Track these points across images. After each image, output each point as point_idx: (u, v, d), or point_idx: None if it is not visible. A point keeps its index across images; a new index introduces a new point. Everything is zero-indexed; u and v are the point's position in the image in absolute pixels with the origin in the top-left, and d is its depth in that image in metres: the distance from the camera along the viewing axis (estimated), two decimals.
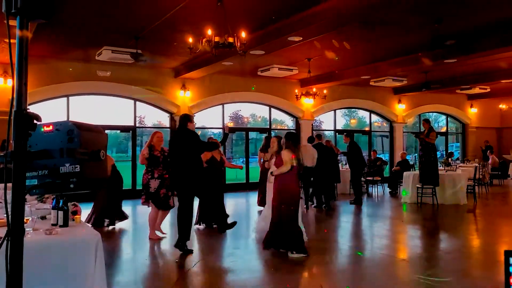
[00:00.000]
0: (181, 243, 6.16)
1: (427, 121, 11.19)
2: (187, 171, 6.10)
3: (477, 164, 13.42)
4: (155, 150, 7.05)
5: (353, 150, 11.45)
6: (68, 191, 1.63)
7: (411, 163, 14.69)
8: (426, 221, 9.14)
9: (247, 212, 10.95)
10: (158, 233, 7.26)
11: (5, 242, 1.54)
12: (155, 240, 7.09)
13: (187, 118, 6.35)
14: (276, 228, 6.05)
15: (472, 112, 19.95)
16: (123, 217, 8.36)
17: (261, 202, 9.71)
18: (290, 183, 6.04)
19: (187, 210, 6.18)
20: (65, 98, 12.13)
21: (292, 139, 6.19)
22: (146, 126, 14.50)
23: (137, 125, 13.59)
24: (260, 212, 9.10)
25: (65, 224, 3.74)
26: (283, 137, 6.29)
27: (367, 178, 13.69)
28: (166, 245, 6.93)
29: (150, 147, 7.05)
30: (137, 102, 13.23)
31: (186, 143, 6.15)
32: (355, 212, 10.34)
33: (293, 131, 15.50)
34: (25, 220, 3.42)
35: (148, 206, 7.15)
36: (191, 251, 6.20)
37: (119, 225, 8.26)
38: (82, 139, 1.63)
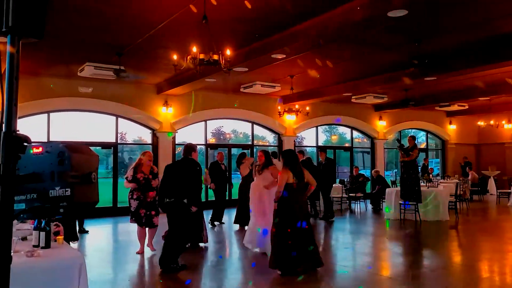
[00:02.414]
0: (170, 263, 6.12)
1: (413, 138, 11.29)
2: (187, 197, 6.15)
3: (457, 180, 13.59)
4: (139, 172, 7.01)
5: (331, 165, 11.59)
6: (57, 215, 1.56)
7: (392, 179, 14.75)
8: (409, 238, 9.17)
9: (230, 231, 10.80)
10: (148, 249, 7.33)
11: None
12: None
13: (191, 148, 6.52)
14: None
15: (451, 128, 20.32)
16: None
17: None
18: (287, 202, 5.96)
19: (180, 233, 6.22)
20: (46, 115, 11.91)
21: (287, 157, 6.09)
22: (127, 142, 14.32)
23: (118, 141, 13.42)
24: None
25: (47, 246, 3.62)
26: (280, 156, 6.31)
27: (350, 194, 13.73)
28: (150, 263, 6.79)
29: (135, 168, 7.08)
30: (119, 118, 13.08)
31: (189, 171, 6.27)
32: (338, 229, 10.32)
33: (274, 147, 15.56)
34: None
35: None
36: (184, 267, 6.16)
37: (99, 244, 8.06)
38: (73, 162, 1.56)
